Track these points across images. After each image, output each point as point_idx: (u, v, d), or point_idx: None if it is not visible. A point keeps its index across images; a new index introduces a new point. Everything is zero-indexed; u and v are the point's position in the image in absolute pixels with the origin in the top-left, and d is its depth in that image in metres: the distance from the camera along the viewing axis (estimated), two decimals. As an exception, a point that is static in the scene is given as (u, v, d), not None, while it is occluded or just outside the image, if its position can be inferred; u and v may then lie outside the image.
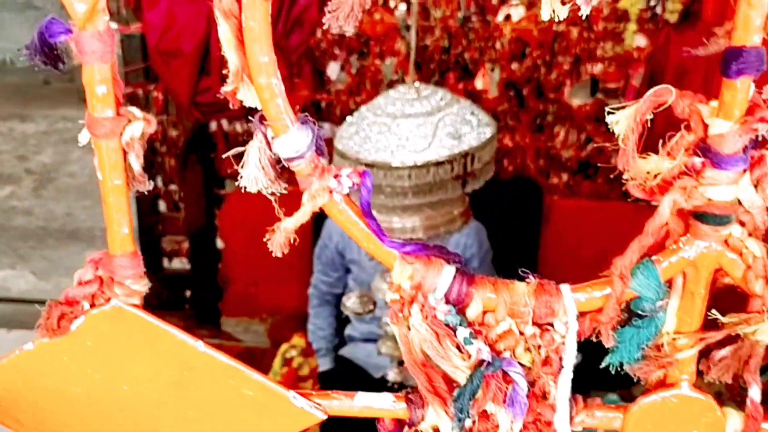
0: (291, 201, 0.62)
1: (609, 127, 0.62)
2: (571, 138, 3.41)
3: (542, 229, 3.33)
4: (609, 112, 0.62)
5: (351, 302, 2.25)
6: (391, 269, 0.63)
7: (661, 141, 0.62)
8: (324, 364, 2.84)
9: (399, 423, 0.71)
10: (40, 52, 0.60)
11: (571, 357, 0.65)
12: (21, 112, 4.92)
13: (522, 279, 0.65)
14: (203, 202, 3.76)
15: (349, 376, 2.70)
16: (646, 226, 0.60)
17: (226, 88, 0.60)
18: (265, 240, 0.63)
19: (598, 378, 0.92)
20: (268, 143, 0.60)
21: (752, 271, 0.60)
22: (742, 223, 0.60)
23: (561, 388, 0.66)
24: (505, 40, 3.34)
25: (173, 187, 3.73)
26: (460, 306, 0.64)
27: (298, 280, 3.43)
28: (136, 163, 0.60)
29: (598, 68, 3.30)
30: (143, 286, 0.63)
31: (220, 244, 3.79)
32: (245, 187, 0.62)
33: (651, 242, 0.61)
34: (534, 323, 0.64)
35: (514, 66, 3.34)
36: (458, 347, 0.64)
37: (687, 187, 0.59)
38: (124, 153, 0.60)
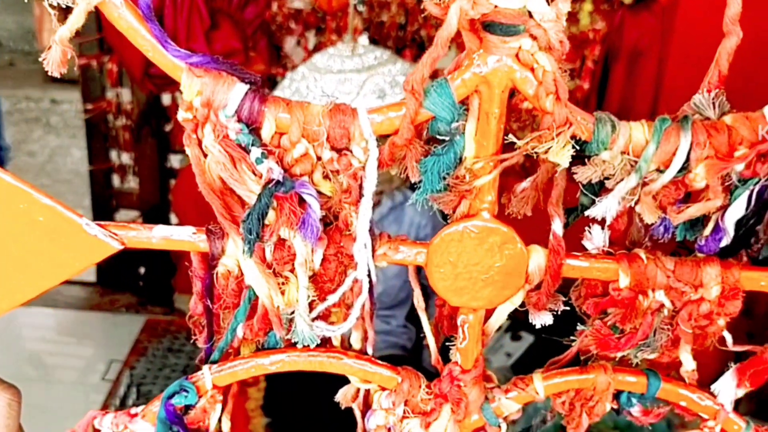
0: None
1: None
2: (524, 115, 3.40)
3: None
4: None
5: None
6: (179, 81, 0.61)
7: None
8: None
9: (210, 268, 0.69)
10: None
11: (371, 184, 0.63)
12: (-16, 92, 4.89)
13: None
14: (157, 177, 3.73)
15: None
16: (436, 38, 0.59)
17: None
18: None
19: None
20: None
21: (543, 87, 0.59)
22: (535, 38, 0.59)
23: (361, 217, 0.64)
24: (462, 18, 3.33)
25: (127, 161, 3.70)
26: (253, 126, 0.62)
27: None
28: None
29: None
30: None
31: (173, 219, 3.76)
32: None
33: (441, 54, 0.59)
34: (332, 148, 0.63)
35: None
36: (254, 172, 0.62)
37: (473, -6, 0.57)
38: None
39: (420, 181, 0.64)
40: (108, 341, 3.76)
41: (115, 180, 3.77)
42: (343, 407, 0.75)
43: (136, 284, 3.92)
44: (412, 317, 2.68)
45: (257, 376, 0.92)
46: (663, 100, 3.37)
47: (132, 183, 3.75)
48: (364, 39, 2.23)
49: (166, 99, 3.55)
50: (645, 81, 3.37)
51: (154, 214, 3.73)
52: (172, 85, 3.46)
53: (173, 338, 3.68)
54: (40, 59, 0.61)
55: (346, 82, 2.08)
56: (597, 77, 3.42)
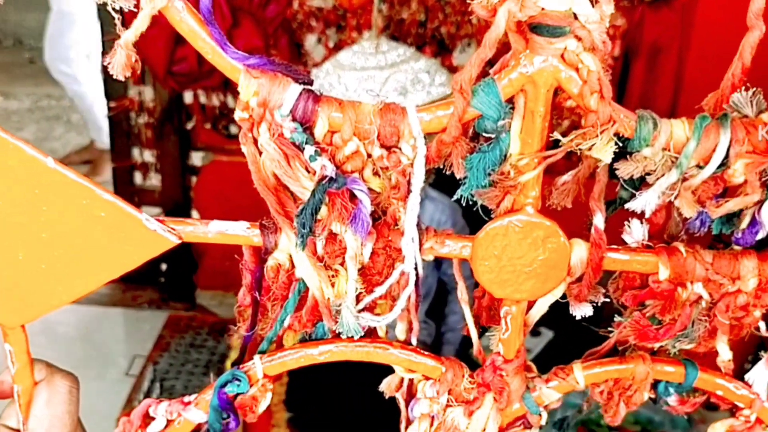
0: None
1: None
2: (566, 113, 3.42)
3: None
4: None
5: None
6: (237, 83, 0.63)
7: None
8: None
9: (261, 261, 0.72)
10: None
11: (419, 180, 0.65)
12: (5, 90, 4.94)
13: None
14: (179, 174, 3.76)
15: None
16: (484, 38, 0.61)
17: None
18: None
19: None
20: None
21: (587, 86, 0.61)
22: (579, 39, 0.61)
23: (409, 212, 0.66)
24: (481, 16, 3.34)
25: (149, 158, 3.73)
26: (307, 125, 0.65)
27: (272, 253, 3.43)
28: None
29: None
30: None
31: (195, 216, 3.79)
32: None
33: (489, 55, 0.61)
34: (382, 146, 0.65)
35: (490, 41, 3.35)
36: (307, 169, 0.65)
37: (520, -3, 0.59)
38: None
39: (464, 177, 0.67)
40: (130, 337, 3.80)
41: (137, 177, 3.81)
42: (387, 397, 0.78)
43: (158, 280, 3.96)
44: (432, 313, 2.71)
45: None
46: (683, 97, 3.37)
47: (154, 180, 3.79)
48: (384, 44, 2.24)
49: (188, 97, 3.58)
50: (665, 77, 3.38)
51: (177, 212, 3.77)
52: (195, 83, 3.49)
53: (195, 334, 3.71)
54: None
55: (368, 79, 2.10)
56: (617, 74, 3.42)
